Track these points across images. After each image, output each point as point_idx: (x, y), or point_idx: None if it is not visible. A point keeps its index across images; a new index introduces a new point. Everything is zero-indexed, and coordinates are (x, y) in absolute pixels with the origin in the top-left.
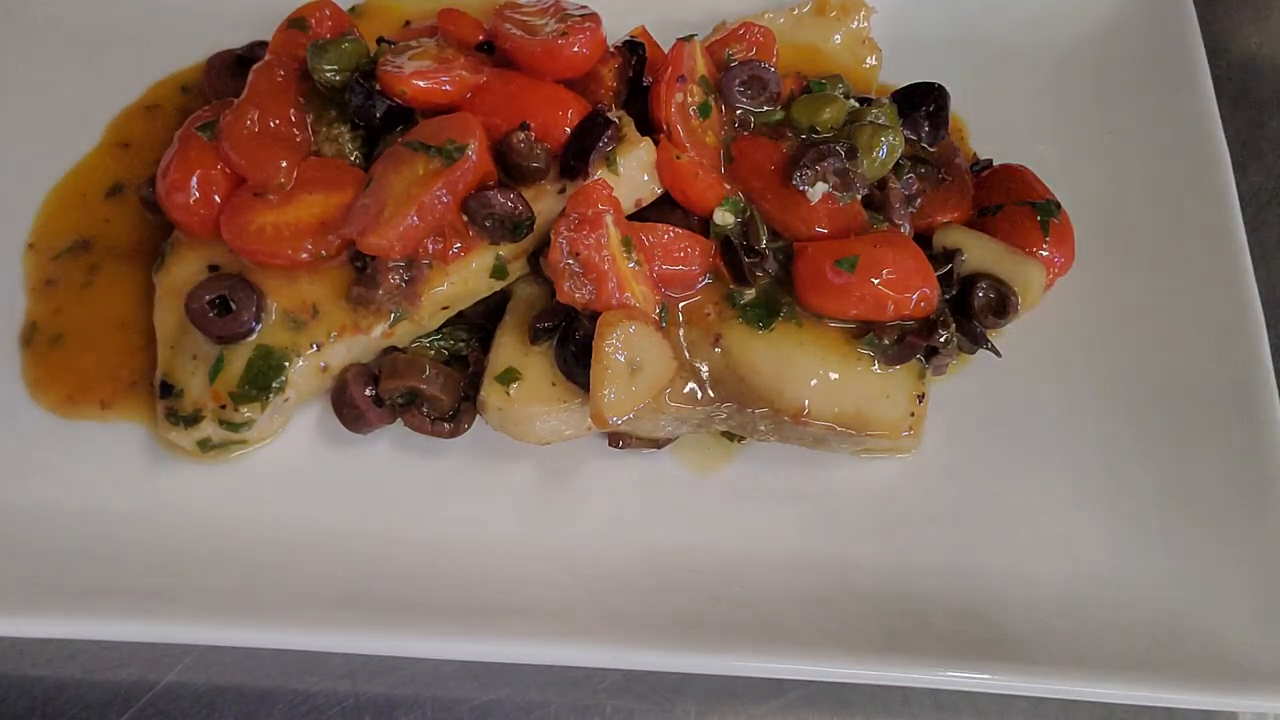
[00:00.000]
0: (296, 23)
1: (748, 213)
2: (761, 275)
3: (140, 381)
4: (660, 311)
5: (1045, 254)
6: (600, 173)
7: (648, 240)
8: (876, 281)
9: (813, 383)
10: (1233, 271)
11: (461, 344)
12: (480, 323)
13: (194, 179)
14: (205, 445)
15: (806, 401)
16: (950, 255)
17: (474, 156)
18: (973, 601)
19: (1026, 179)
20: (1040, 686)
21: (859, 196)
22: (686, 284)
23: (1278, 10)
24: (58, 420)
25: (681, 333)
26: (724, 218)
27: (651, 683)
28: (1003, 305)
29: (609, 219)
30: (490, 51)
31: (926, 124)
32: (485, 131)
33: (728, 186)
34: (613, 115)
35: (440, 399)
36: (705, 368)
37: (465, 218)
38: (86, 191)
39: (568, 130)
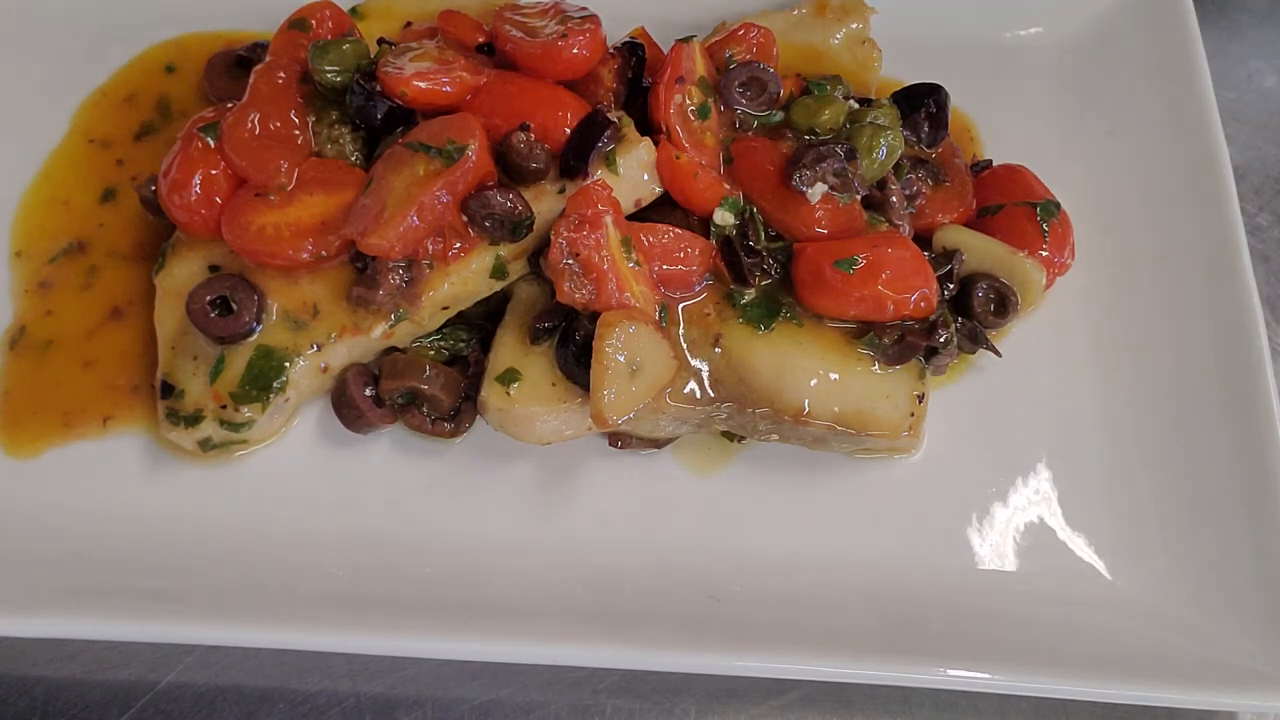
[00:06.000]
0: (297, 24)
1: (747, 213)
2: (761, 275)
3: (141, 386)
4: (660, 311)
5: (1045, 254)
6: (600, 173)
7: (648, 240)
8: (876, 282)
9: (813, 383)
10: (1232, 271)
11: (462, 344)
12: (480, 323)
13: (195, 179)
14: (206, 445)
15: (806, 401)
16: (950, 255)
17: (474, 157)
18: (973, 601)
19: (1026, 179)
20: (1040, 686)
21: (858, 197)
22: (686, 284)
23: None
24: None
25: (681, 333)
26: (724, 218)
27: (651, 683)
28: (1003, 305)
29: (609, 219)
30: (490, 53)
31: (926, 124)
32: (485, 132)
33: (727, 187)
34: (612, 115)
35: (440, 399)
36: (705, 368)
37: (465, 218)
38: (70, 198)
39: (567, 130)
